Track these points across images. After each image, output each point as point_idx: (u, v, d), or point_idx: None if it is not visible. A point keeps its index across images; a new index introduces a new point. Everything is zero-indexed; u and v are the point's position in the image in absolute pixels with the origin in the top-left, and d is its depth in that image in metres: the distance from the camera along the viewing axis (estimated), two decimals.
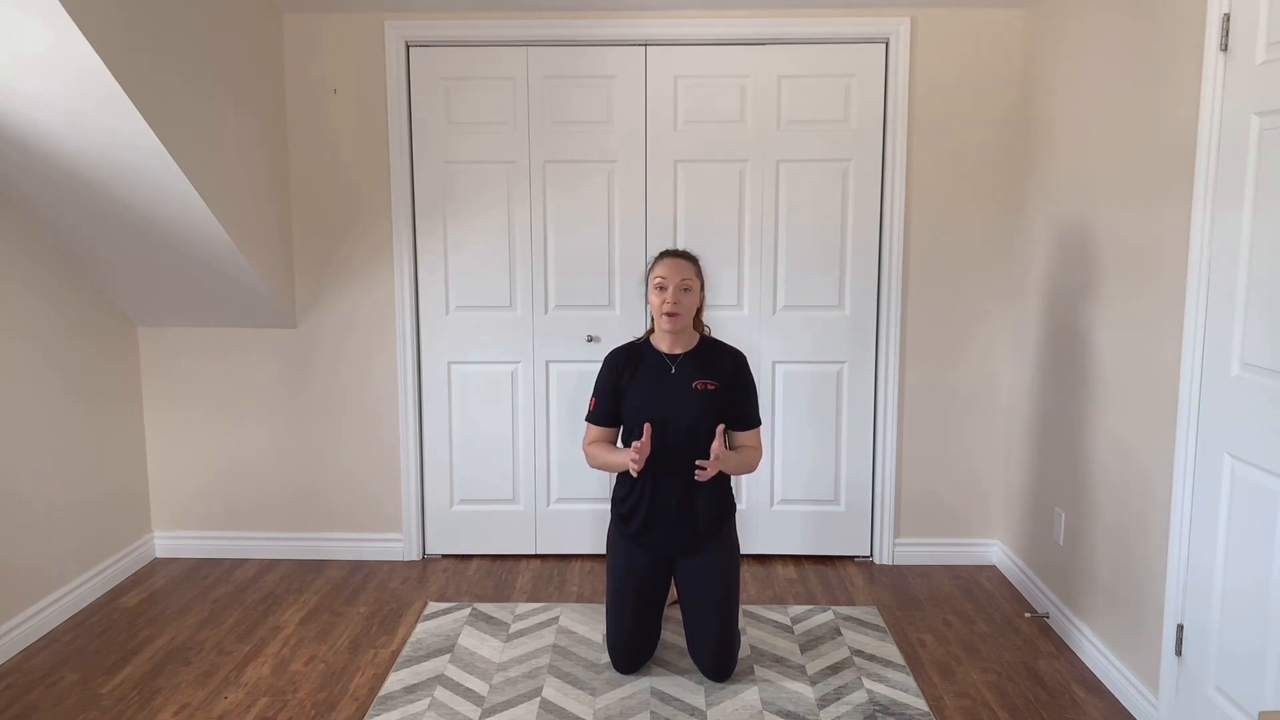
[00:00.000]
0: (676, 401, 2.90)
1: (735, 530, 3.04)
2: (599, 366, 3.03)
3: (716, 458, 2.79)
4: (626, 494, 2.98)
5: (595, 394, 3.03)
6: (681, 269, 2.88)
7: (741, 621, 3.34)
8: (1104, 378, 3.00)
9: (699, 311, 3.01)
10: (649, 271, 2.95)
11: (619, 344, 3.11)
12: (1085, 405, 3.13)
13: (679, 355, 2.96)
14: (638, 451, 2.76)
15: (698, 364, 2.95)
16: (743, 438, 3.00)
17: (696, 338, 3.00)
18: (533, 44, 3.71)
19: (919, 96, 3.70)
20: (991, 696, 2.89)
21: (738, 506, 3.93)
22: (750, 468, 2.99)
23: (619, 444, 3.03)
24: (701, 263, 3.01)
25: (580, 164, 3.78)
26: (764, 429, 3.89)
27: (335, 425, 3.94)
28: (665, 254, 2.96)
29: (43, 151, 2.90)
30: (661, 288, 2.87)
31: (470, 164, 3.79)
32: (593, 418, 3.03)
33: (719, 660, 2.93)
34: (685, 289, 2.87)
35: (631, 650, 3.00)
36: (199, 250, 3.37)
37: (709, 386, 2.91)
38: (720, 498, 2.99)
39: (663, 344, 2.98)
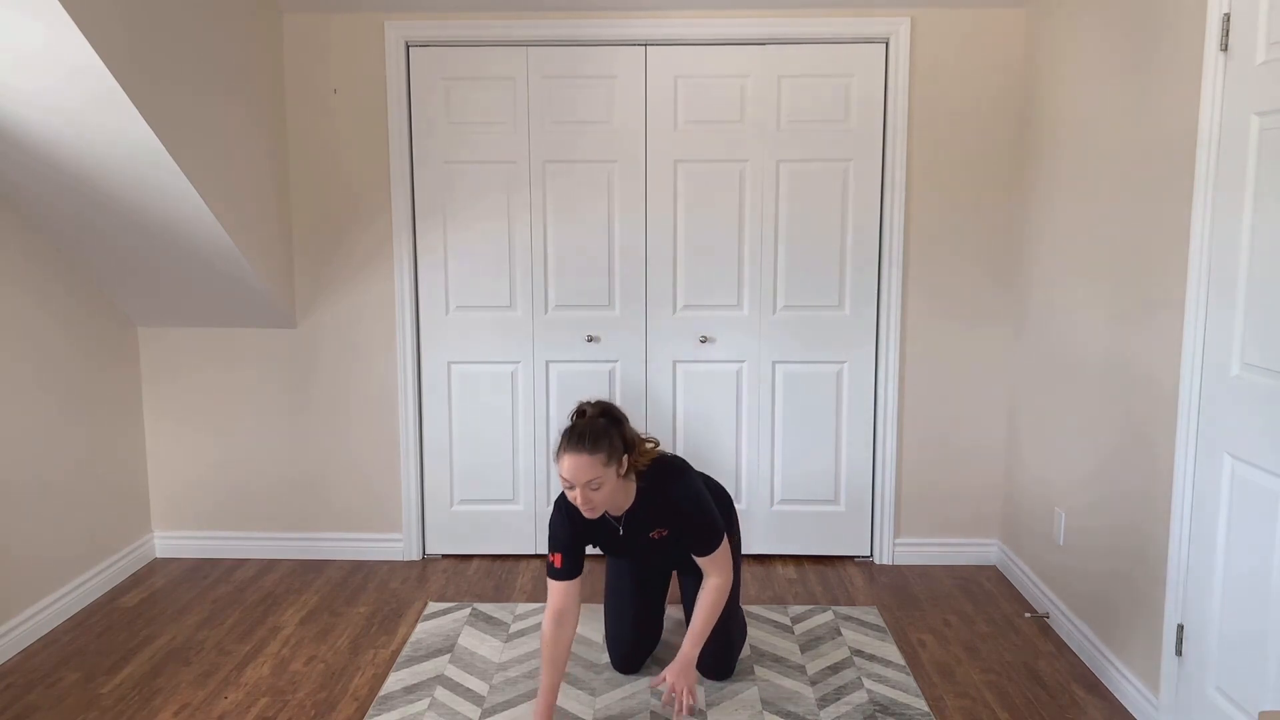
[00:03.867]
0: (637, 551, 2.81)
1: (736, 528, 3.02)
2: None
3: (687, 690, 2.59)
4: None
5: (556, 549, 2.67)
6: (584, 469, 2.46)
7: None
8: (1104, 377, 3.00)
9: (632, 461, 2.62)
10: (558, 454, 2.52)
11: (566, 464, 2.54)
12: (1085, 405, 3.13)
13: (621, 516, 2.72)
14: None
15: (642, 518, 2.71)
16: (703, 563, 2.73)
17: (633, 492, 2.67)
18: (533, 44, 3.71)
19: (919, 96, 3.70)
20: (991, 696, 2.89)
21: (738, 506, 3.94)
22: (719, 603, 2.71)
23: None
24: (624, 418, 2.65)
25: (580, 164, 3.78)
26: (764, 429, 3.89)
27: (335, 425, 3.94)
28: (566, 444, 2.50)
29: (43, 151, 2.90)
30: (569, 485, 2.51)
31: (470, 164, 3.79)
32: (559, 574, 2.65)
33: (718, 660, 2.93)
34: (594, 488, 2.49)
35: (630, 650, 2.99)
36: (198, 250, 3.37)
37: (663, 534, 2.74)
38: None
39: None
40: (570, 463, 2.47)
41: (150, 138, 2.83)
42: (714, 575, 2.71)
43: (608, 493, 2.53)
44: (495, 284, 3.85)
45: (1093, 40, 3.08)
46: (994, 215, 3.76)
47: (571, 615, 2.67)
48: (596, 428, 2.53)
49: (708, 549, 2.69)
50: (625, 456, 2.57)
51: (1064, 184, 3.29)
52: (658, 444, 2.76)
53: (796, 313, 3.84)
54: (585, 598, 3.60)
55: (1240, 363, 2.31)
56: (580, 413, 2.62)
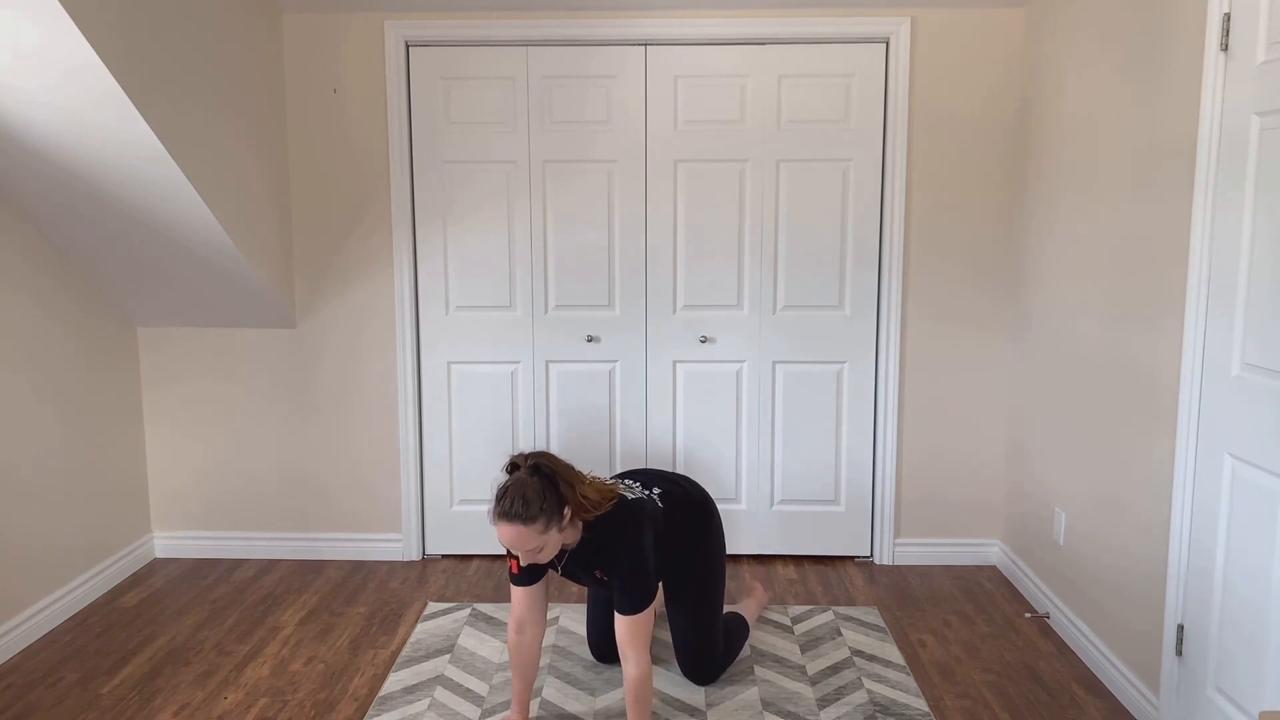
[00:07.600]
0: (581, 580, 2.79)
1: (719, 532, 2.95)
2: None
3: None
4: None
5: (513, 554, 2.60)
6: (521, 540, 2.42)
7: None
8: (1104, 377, 3.00)
9: (575, 514, 2.54)
10: (492, 518, 2.45)
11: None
12: (1085, 405, 3.13)
13: (564, 553, 2.68)
14: None
15: (583, 560, 2.67)
16: (620, 632, 2.56)
17: (579, 532, 2.61)
18: (532, 44, 3.71)
19: (919, 96, 3.70)
20: (991, 696, 2.89)
21: (738, 507, 3.94)
22: (644, 696, 2.54)
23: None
24: (560, 475, 2.52)
25: (580, 164, 3.78)
26: (764, 429, 3.89)
27: (335, 425, 3.94)
28: (499, 512, 2.43)
29: (43, 151, 2.90)
30: (510, 552, 2.52)
31: (470, 164, 3.79)
32: (518, 579, 2.66)
33: (692, 662, 2.91)
34: (536, 550, 2.46)
35: (601, 638, 3.02)
36: (198, 250, 3.37)
37: (604, 577, 2.70)
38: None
39: None
40: (506, 533, 2.41)
41: (149, 137, 2.83)
42: (630, 662, 2.54)
43: (551, 550, 2.49)
44: (495, 284, 3.85)
45: (1093, 40, 3.08)
46: (994, 214, 3.76)
47: (532, 623, 2.68)
48: (529, 492, 2.42)
49: (627, 608, 2.54)
50: (566, 509, 2.48)
51: (1064, 183, 3.29)
52: (615, 487, 2.69)
53: (797, 313, 3.84)
54: (585, 598, 3.60)
55: (1240, 363, 2.31)
56: (512, 467, 2.53)
